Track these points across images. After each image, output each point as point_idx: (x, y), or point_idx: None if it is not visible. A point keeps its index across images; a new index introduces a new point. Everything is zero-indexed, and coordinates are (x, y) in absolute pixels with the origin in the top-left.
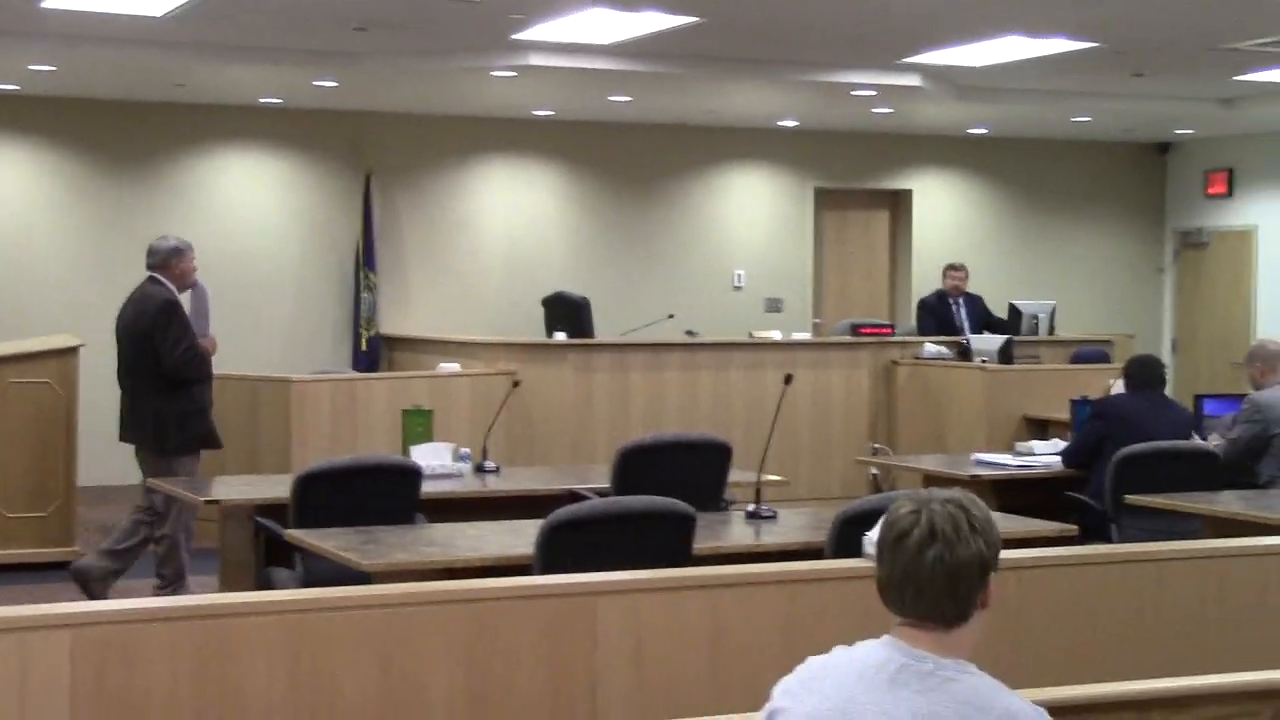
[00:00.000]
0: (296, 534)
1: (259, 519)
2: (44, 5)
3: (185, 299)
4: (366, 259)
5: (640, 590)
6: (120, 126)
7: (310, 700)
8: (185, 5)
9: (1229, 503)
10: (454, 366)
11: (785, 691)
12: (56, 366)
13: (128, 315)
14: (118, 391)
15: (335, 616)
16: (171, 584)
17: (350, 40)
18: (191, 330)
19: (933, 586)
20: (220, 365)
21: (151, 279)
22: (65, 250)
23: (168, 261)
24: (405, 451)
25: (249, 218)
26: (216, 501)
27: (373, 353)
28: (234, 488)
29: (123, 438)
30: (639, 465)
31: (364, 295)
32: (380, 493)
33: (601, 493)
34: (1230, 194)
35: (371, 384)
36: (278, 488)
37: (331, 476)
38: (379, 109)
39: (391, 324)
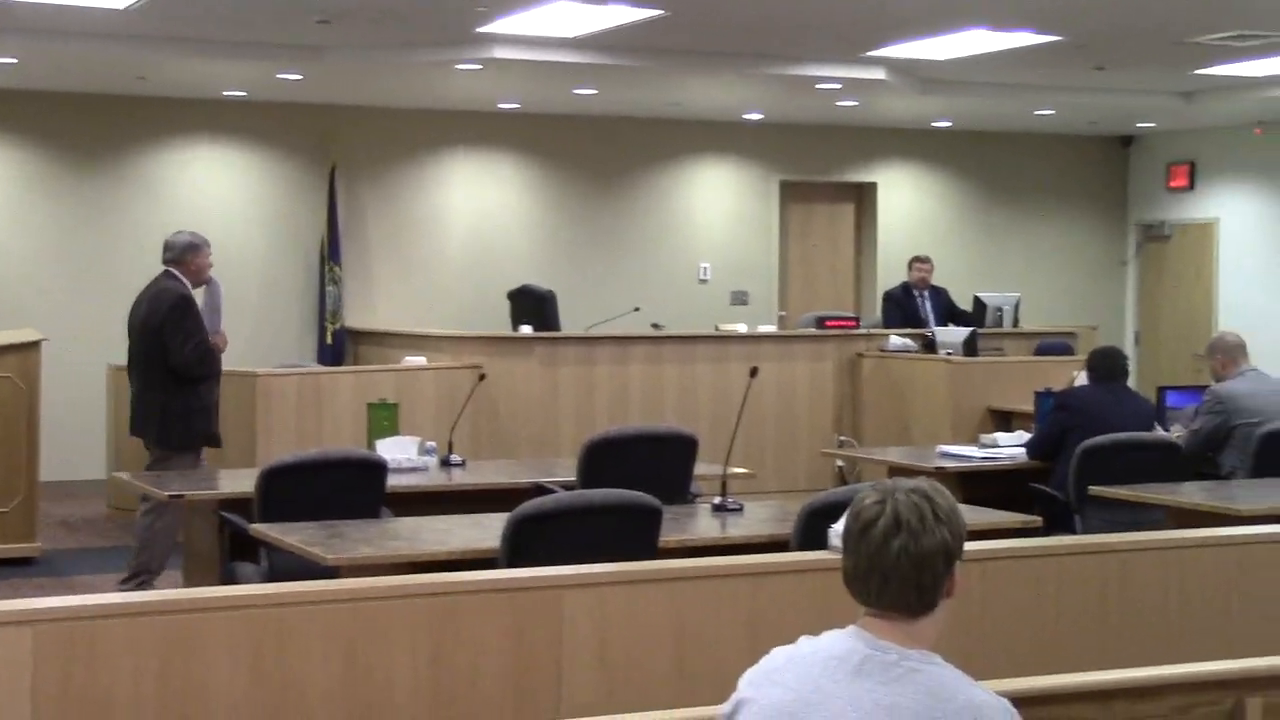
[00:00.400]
0: (261, 528)
1: (223, 513)
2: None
3: (200, 294)
4: (331, 252)
5: (606, 584)
6: (83, 120)
7: (275, 696)
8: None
9: (1191, 494)
10: (419, 360)
11: (750, 682)
12: (18, 361)
13: (141, 309)
14: (81, 386)
15: (300, 611)
16: (138, 575)
17: (314, 33)
18: (203, 327)
19: (898, 576)
20: None
21: (167, 273)
22: (27, 244)
23: (183, 256)
24: (371, 445)
25: (213, 211)
26: (180, 496)
27: (338, 346)
28: (198, 482)
29: (132, 431)
30: (605, 458)
31: (329, 289)
32: (345, 487)
33: (567, 486)
34: (1192, 187)
35: (337, 378)
36: (243, 482)
37: (297, 471)
38: (343, 102)
39: (356, 317)
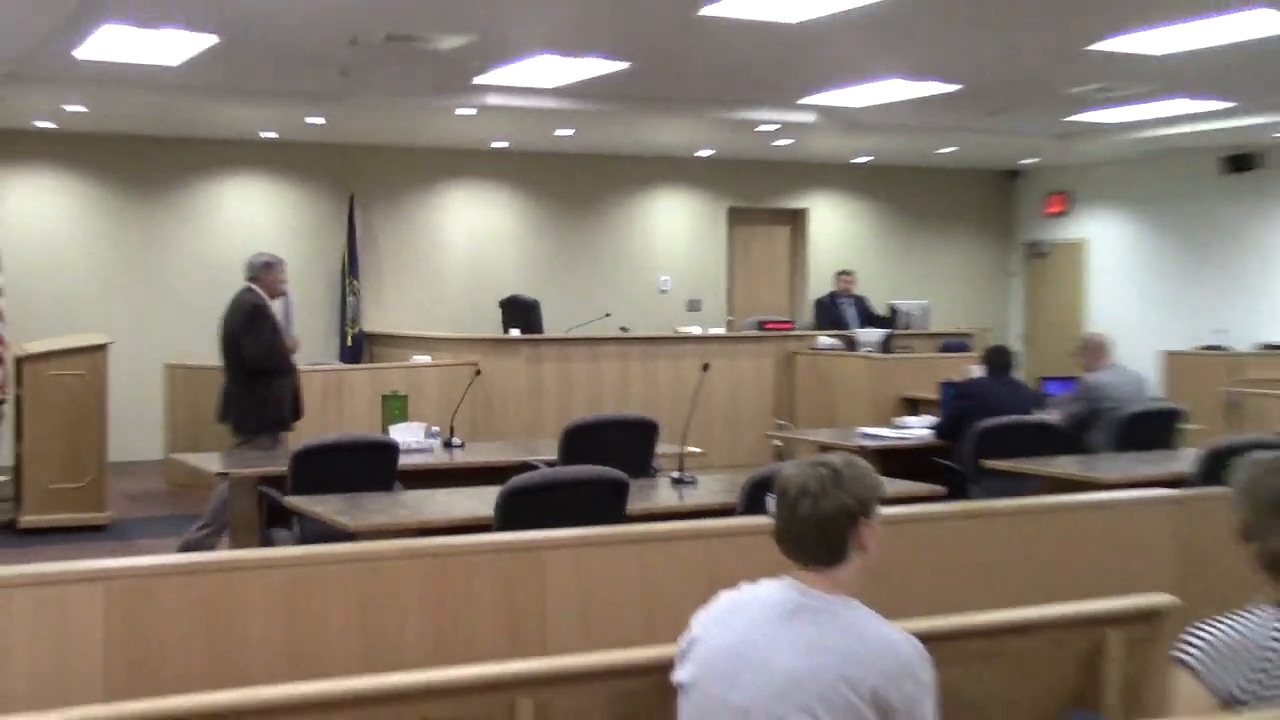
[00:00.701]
0: (294, 500)
1: (262, 488)
2: (77, 56)
3: (278, 306)
4: (351, 268)
5: (583, 545)
6: (142, 158)
7: (303, 639)
8: (197, 56)
9: (1065, 466)
10: (425, 358)
11: (701, 624)
12: (89, 361)
13: (225, 317)
14: (143, 381)
15: (326, 569)
16: (208, 527)
17: (336, 84)
18: (273, 331)
19: (807, 534)
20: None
21: (247, 288)
22: (98, 262)
23: (259, 274)
24: (385, 430)
25: (251, 234)
26: (225, 474)
27: (356, 347)
28: (240, 461)
29: (219, 418)
30: (581, 440)
31: (349, 299)
32: (364, 465)
33: (550, 463)
34: (1067, 212)
35: (356, 374)
36: (278, 462)
37: (323, 452)
38: (360, 142)
39: (372, 323)
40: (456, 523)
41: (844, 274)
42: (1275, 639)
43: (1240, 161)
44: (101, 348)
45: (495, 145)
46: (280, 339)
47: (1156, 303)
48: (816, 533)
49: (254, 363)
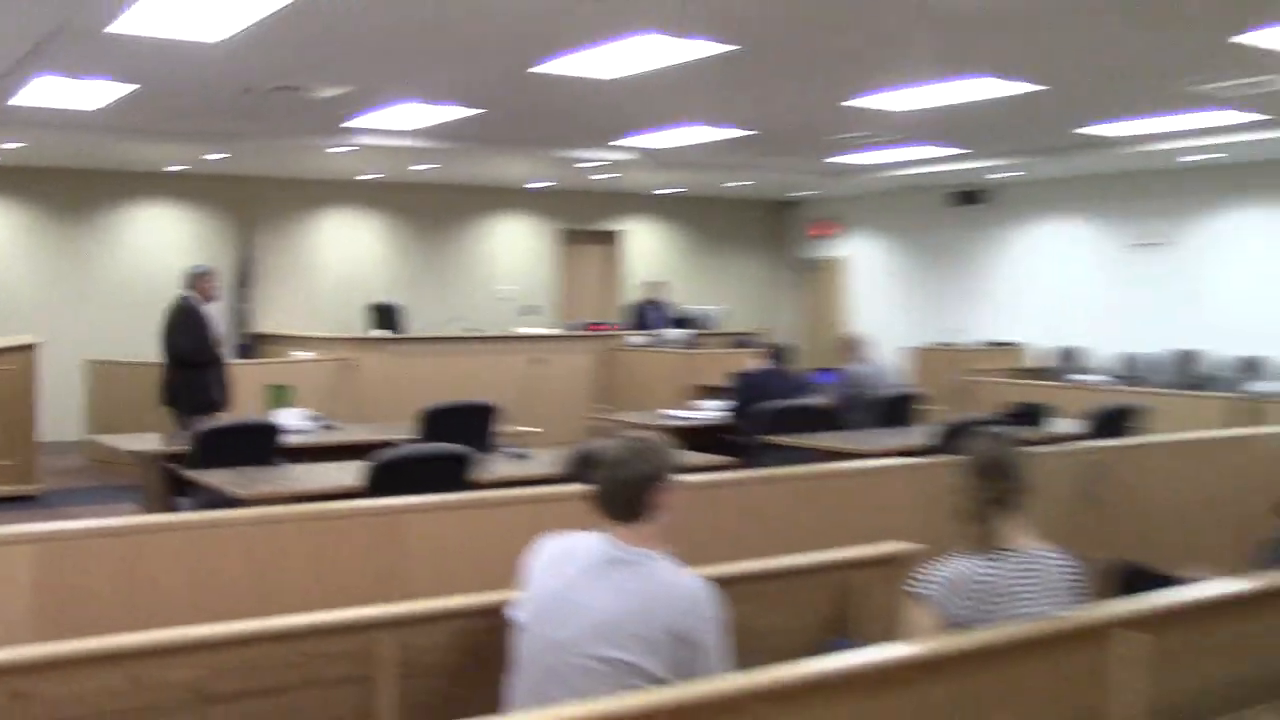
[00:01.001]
0: (193, 473)
1: (166, 463)
2: (11, 103)
3: (215, 309)
4: (244, 280)
5: (436, 509)
6: (68, 187)
7: (204, 589)
8: (115, 101)
9: (831, 440)
10: (307, 354)
11: (532, 571)
12: (21, 358)
13: (164, 318)
14: (67, 374)
15: (221, 531)
16: None
17: (231, 126)
18: (202, 329)
19: (614, 496)
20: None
21: (184, 294)
22: (32, 276)
23: (194, 282)
24: (271, 414)
25: (159, 253)
26: (137, 452)
27: (248, 346)
28: (148, 442)
29: (160, 402)
30: (436, 421)
31: (243, 305)
32: (254, 444)
33: (409, 441)
34: (831, 235)
35: (248, 368)
36: (180, 443)
37: (219, 433)
38: (253, 174)
39: (262, 325)
40: (331, 491)
41: (652, 284)
42: (984, 576)
43: (967, 196)
44: (31, 346)
45: (366, 177)
46: (209, 336)
47: (903, 308)
48: (621, 494)
49: (186, 356)
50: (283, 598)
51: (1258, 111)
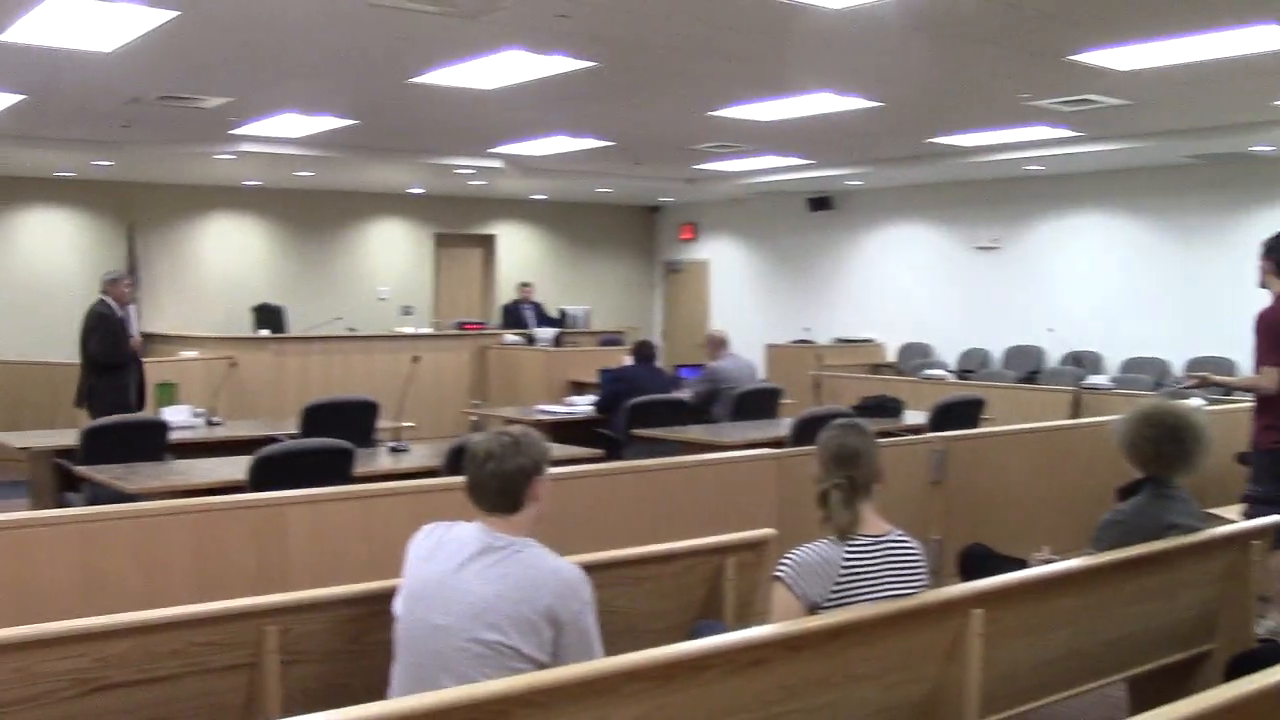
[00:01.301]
0: (83, 469)
1: (57, 459)
2: None
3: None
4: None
5: (318, 501)
6: None
7: (91, 580)
8: (4, 110)
9: (695, 433)
10: (192, 353)
11: (410, 561)
12: None
13: (81, 322)
14: None
15: (109, 524)
16: None
17: (119, 134)
18: (115, 333)
19: (492, 490)
20: (29, 358)
21: (99, 299)
22: None
23: (108, 287)
24: (158, 411)
25: (48, 255)
26: (26, 448)
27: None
28: (38, 438)
29: (75, 404)
30: (317, 417)
31: (130, 306)
32: (141, 440)
33: (292, 436)
34: (695, 239)
35: None
36: (70, 438)
37: (107, 429)
38: (139, 180)
39: (148, 325)
40: (216, 485)
41: (524, 285)
42: (845, 561)
43: (820, 203)
44: None
45: (249, 183)
46: (123, 339)
47: (762, 307)
48: (500, 486)
49: (98, 358)
50: (169, 588)
51: (1077, 129)
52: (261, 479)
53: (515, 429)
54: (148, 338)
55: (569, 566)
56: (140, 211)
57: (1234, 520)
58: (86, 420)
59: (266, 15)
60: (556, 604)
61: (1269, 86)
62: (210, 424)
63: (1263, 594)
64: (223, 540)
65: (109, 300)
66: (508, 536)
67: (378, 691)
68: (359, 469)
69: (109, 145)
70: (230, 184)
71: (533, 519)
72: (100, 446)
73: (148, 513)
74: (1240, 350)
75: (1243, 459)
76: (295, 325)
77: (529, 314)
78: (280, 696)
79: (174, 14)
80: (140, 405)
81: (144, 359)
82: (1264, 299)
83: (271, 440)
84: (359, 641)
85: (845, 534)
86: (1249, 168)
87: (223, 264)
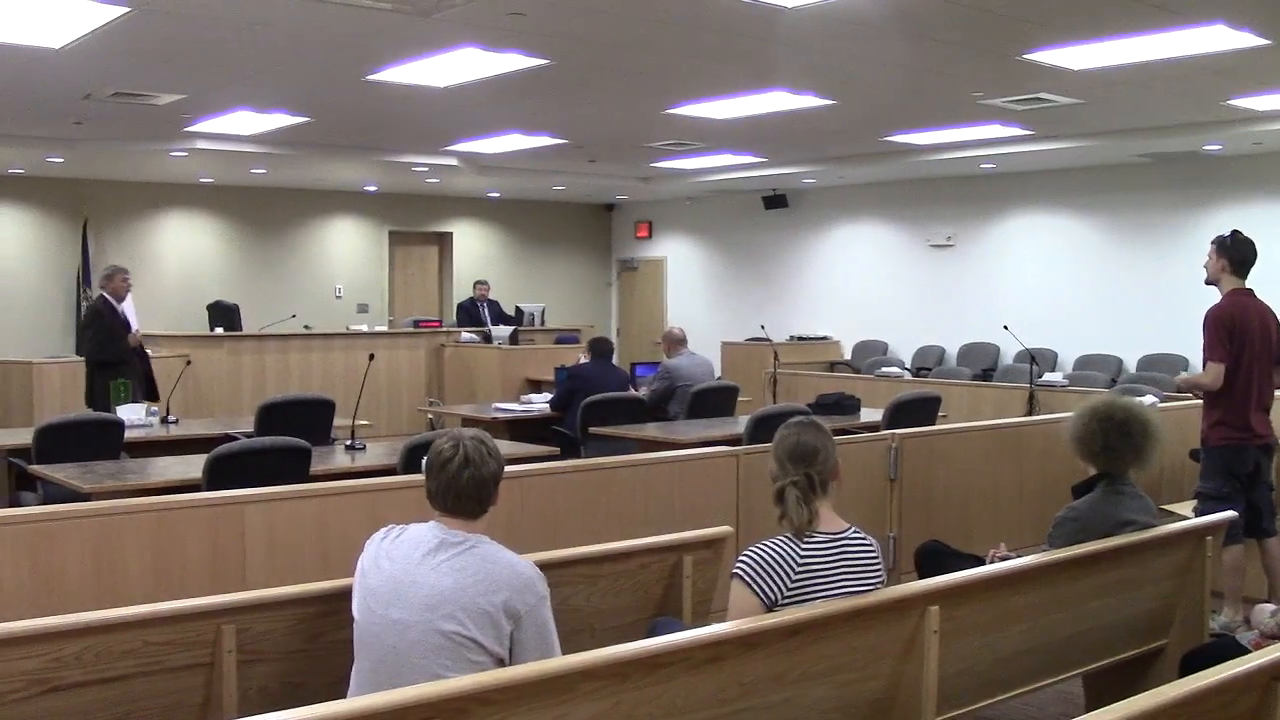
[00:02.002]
0: (37, 468)
1: (10, 458)
2: None
3: (127, 306)
4: (85, 279)
5: (274, 500)
6: None
7: (46, 580)
8: None
9: (652, 430)
10: (146, 351)
11: (366, 561)
12: None
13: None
14: None
15: (65, 523)
16: None
17: (71, 131)
18: (108, 328)
19: (467, 495)
20: None
21: (98, 295)
22: None
23: (104, 283)
24: (113, 410)
25: (2, 252)
26: None
27: None
28: None
29: (85, 403)
30: (273, 415)
31: (83, 304)
32: (96, 438)
33: (248, 434)
34: (650, 237)
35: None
36: (24, 437)
37: (62, 428)
38: (92, 177)
39: None
40: (172, 484)
41: (480, 283)
42: (806, 556)
43: (775, 201)
44: None
45: (203, 180)
46: (118, 335)
47: (717, 305)
48: (475, 492)
49: (92, 356)
50: (125, 588)
51: (1030, 127)
52: (217, 478)
53: (471, 430)
54: None
55: (524, 562)
56: (94, 208)
57: (1187, 517)
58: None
59: (219, 11)
60: (513, 598)
61: (1219, 86)
62: (165, 423)
63: (1215, 589)
64: (179, 540)
65: (107, 295)
66: (464, 534)
67: (336, 690)
68: (315, 467)
69: (61, 142)
70: (184, 181)
71: (491, 519)
72: (54, 445)
73: (103, 512)
74: (1191, 347)
75: (1195, 456)
76: (250, 323)
77: (486, 312)
78: (237, 696)
79: (125, 10)
80: (149, 398)
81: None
82: (1214, 296)
83: (227, 439)
84: (317, 640)
85: (802, 532)
86: (1200, 167)
87: (177, 261)
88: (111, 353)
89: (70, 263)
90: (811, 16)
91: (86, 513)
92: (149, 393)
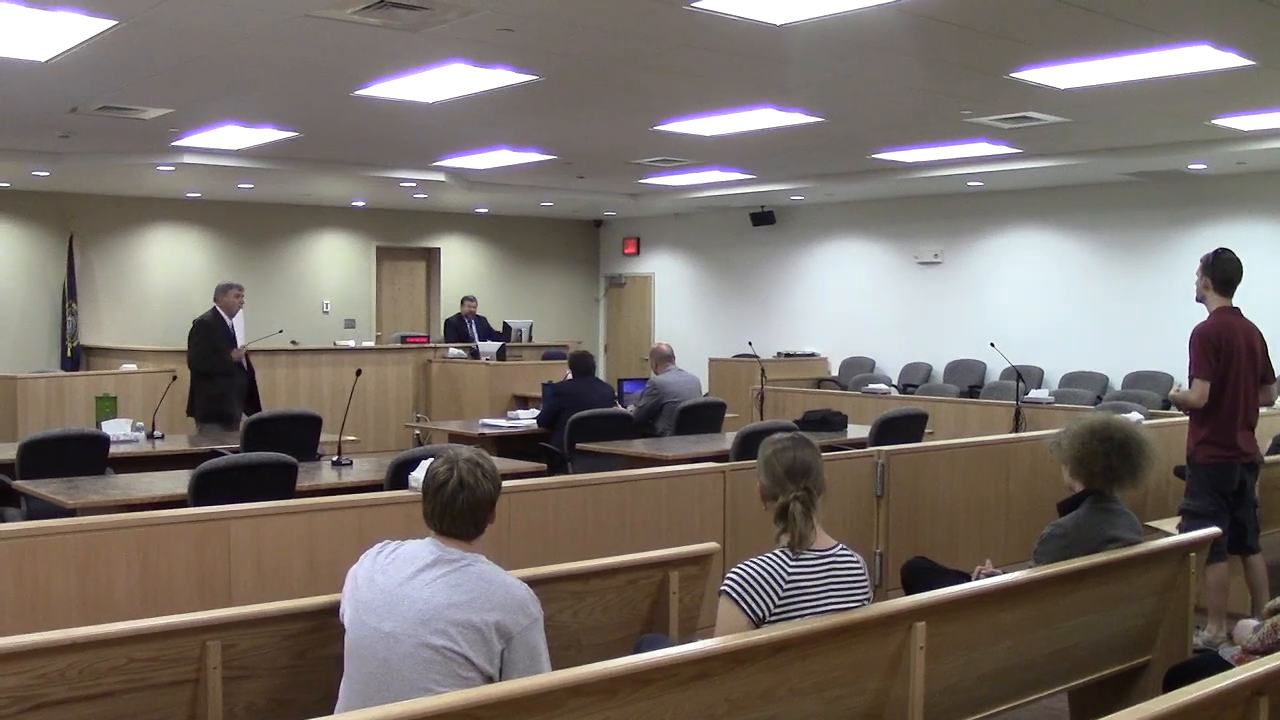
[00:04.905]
0: (21, 483)
1: None
2: None
3: (238, 320)
4: (70, 293)
5: (261, 516)
6: None
7: (31, 597)
8: None
9: (639, 446)
10: (132, 366)
11: (359, 575)
12: None
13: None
14: None
15: (50, 539)
16: None
17: (57, 144)
18: (210, 341)
19: (462, 517)
20: None
21: (211, 309)
22: None
23: (217, 296)
24: (98, 425)
25: None
26: None
27: (75, 358)
28: None
29: (186, 413)
30: (260, 431)
31: (69, 318)
32: (81, 454)
33: (234, 450)
34: (638, 253)
35: (74, 379)
36: (8, 452)
37: (46, 443)
38: (78, 190)
39: (88, 338)
40: (158, 499)
41: (468, 299)
42: (794, 573)
43: (763, 217)
44: None
45: (190, 195)
46: (221, 348)
47: (705, 321)
48: (471, 515)
49: (192, 364)
50: (111, 604)
51: (1017, 145)
52: (203, 494)
53: (468, 449)
54: (86, 350)
55: (519, 583)
56: (80, 222)
57: (1172, 533)
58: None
59: (206, 26)
60: (506, 618)
61: (1204, 106)
62: (151, 438)
63: (1199, 606)
64: (165, 556)
65: (219, 309)
66: (460, 552)
67: (323, 706)
68: (302, 483)
69: (47, 155)
70: (172, 196)
71: (486, 539)
72: (39, 460)
73: (88, 527)
74: (1177, 365)
75: (1180, 472)
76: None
77: (474, 328)
78: (223, 713)
79: (112, 23)
80: (251, 410)
81: (81, 370)
82: (1200, 314)
83: (214, 454)
84: (304, 656)
85: (793, 548)
86: (1185, 185)
87: (164, 276)
88: (213, 364)
89: (56, 277)
90: (800, 34)
91: (71, 528)
92: (251, 406)
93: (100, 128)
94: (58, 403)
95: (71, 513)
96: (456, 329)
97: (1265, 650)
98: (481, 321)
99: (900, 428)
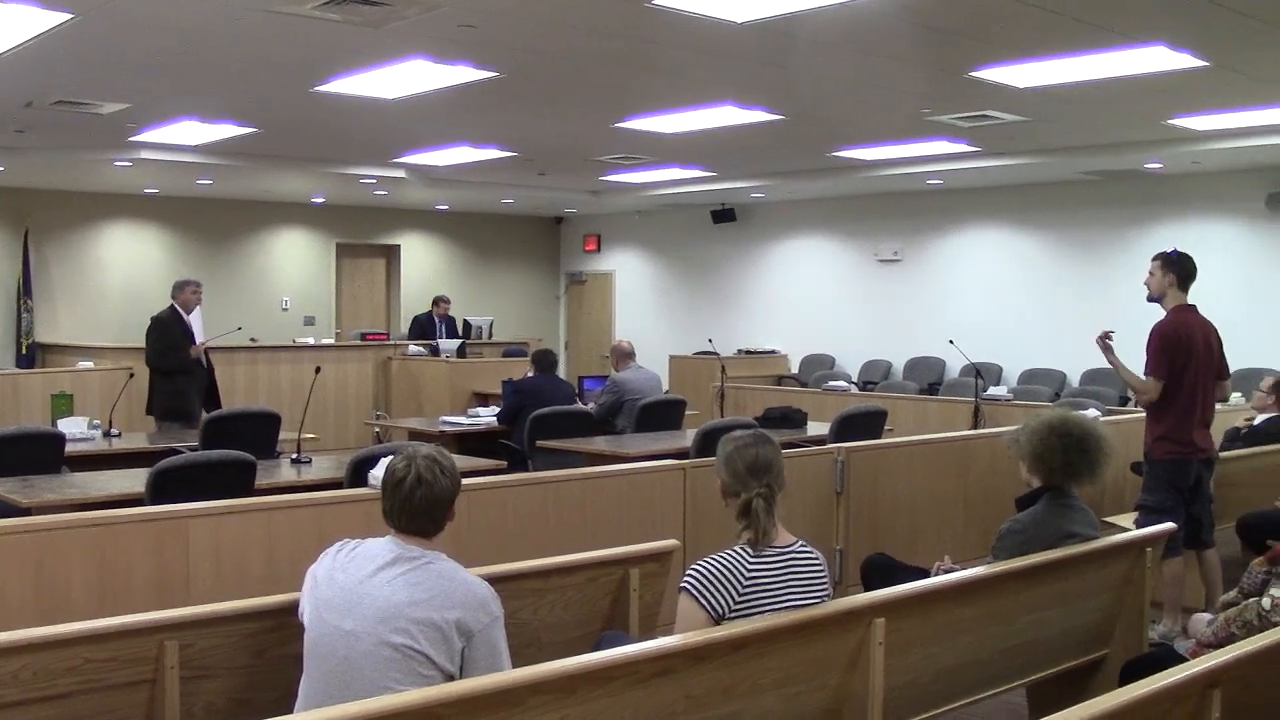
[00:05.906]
0: None
1: None
2: None
3: (195, 317)
4: (25, 290)
5: (219, 514)
6: None
7: None
8: None
9: (600, 444)
10: (88, 364)
11: (320, 573)
12: None
13: None
14: None
15: (5, 539)
16: None
17: (13, 139)
18: (168, 338)
19: (420, 513)
20: None
21: (169, 305)
22: None
23: (174, 293)
24: (54, 423)
25: None
26: None
27: (30, 355)
28: None
29: (145, 410)
30: (219, 429)
31: (24, 315)
32: (36, 452)
33: (192, 448)
34: (599, 250)
35: (30, 377)
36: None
37: (0, 441)
38: (35, 186)
39: (44, 335)
40: (115, 498)
41: (442, 299)
42: (754, 570)
43: (723, 214)
44: None
45: (148, 191)
46: (179, 345)
47: (666, 318)
48: (429, 511)
49: (150, 362)
50: (67, 604)
51: (977, 144)
52: (161, 492)
53: (427, 447)
54: (42, 347)
55: (480, 581)
56: (36, 218)
57: (1129, 529)
58: (156, 425)
59: (164, 20)
60: (466, 616)
61: (1161, 105)
62: (108, 436)
63: (1155, 600)
64: (122, 555)
65: (177, 306)
66: (420, 550)
67: (283, 706)
68: (261, 481)
69: (2, 150)
70: (129, 191)
71: (446, 536)
72: None
73: (44, 527)
74: (1133, 363)
75: (1136, 468)
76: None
77: (433, 325)
78: (180, 713)
79: (68, 16)
80: (210, 408)
81: (36, 367)
82: (1156, 312)
83: (171, 452)
84: (263, 656)
85: (753, 545)
86: (1142, 184)
87: (121, 272)
88: (171, 362)
89: (11, 274)
90: (760, 31)
91: (26, 528)
92: (210, 403)
93: (56, 122)
94: (12, 401)
95: (26, 512)
96: (423, 327)
97: (1219, 644)
98: (450, 323)
99: (860, 425)
